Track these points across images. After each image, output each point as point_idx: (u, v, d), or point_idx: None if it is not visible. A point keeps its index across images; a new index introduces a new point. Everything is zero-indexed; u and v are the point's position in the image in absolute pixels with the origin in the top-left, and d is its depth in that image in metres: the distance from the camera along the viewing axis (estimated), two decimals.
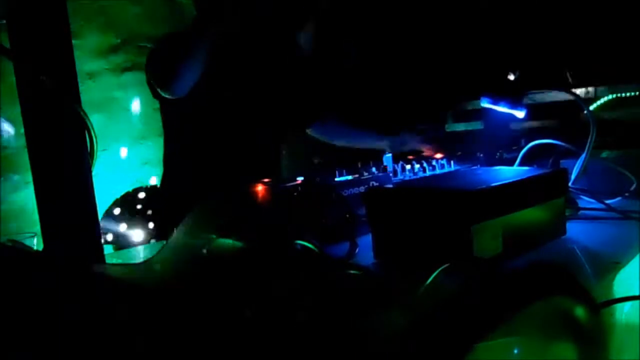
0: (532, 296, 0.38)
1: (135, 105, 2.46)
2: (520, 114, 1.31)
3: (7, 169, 2.11)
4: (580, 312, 0.42)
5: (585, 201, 1.04)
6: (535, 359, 0.42)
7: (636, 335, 0.53)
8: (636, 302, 0.55)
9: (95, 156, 0.77)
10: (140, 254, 1.05)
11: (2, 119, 1.98)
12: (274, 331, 0.48)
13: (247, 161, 1.45)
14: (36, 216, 0.74)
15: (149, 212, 1.72)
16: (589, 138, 1.10)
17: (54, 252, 0.72)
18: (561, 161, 1.17)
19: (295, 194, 0.91)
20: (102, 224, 1.83)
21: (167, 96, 1.32)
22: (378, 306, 0.52)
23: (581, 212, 1.00)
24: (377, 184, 1.03)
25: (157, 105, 1.56)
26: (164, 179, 1.59)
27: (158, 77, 1.33)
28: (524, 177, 0.80)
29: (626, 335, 0.54)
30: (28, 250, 0.73)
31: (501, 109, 1.32)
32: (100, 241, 0.80)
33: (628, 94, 1.48)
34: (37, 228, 0.75)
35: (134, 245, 1.77)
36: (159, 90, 1.32)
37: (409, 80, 2.02)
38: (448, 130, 1.70)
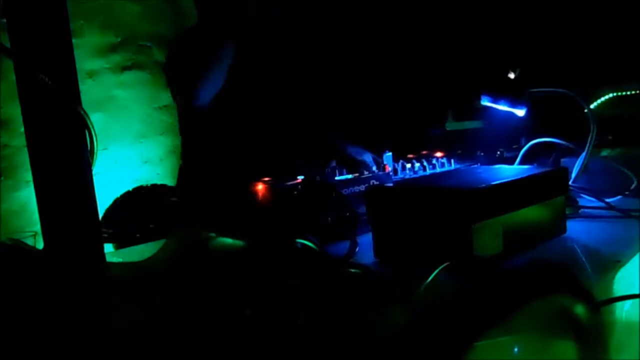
0: (533, 294, 0.38)
1: (136, 104, 2.46)
2: (520, 112, 1.31)
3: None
4: (580, 310, 0.42)
5: (586, 200, 1.04)
6: (535, 358, 0.42)
7: (636, 334, 0.53)
8: (636, 300, 0.55)
9: (95, 155, 0.77)
10: (140, 253, 1.05)
11: None
12: (274, 330, 0.48)
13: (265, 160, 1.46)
14: (36, 215, 0.74)
15: (153, 210, 1.72)
16: (589, 137, 1.10)
17: (55, 251, 0.72)
18: (561, 160, 1.17)
19: (295, 192, 0.91)
20: (103, 222, 1.83)
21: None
22: (378, 305, 0.52)
23: (581, 210, 1.00)
24: (378, 182, 1.03)
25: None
26: (181, 177, 1.60)
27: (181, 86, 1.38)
28: (525, 175, 0.80)
29: (626, 333, 0.54)
30: (28, 249, 0.73)
31: (501, 107, 1.32)
32: (101, 240, 0.80)
33: (628, 92, 1.47)
34: (38, 227, 0.75)
35: (135, 244, 1.77)
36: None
37: (408, 79, 2.02)
38: (448, 128, 1.69)
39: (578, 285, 0.42)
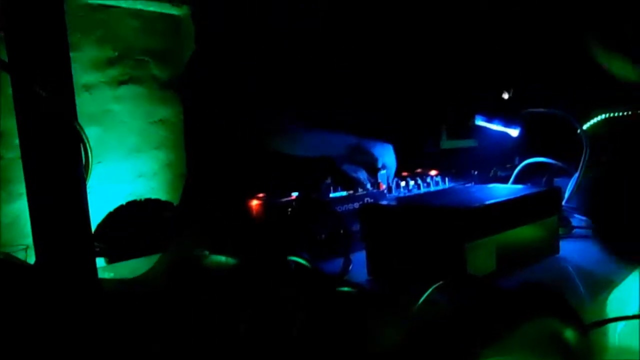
0: (522, 317, 0.38)
1: (131, 118, 2.47)
2: (514, 132, 1.32)
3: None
4: (569, 333, 0.42)
5: (579, 219, 1.04)
6: None
7: (629, 355, 0.53)
8: (629, 321, 0.55)
9: (90, 169, 0.77)
10: (133, 268, 1.04)
11: None
12: (268, 347, 0.47)
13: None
14: (28, 228, 0.74)
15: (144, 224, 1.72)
16: (582, 157, 1.10)
17: (46, 266, 0.72)
18: (555, 180, 1.17)
19: (289, 209, 0.91)
20: (96, 236, 1.82)
21: None
22: (372, 323, 0.52)
23: (575, 230, 1.00)
24: (372, 200, 1.03)
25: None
26: (186, 192, 1.59)
27: None
28: (518, 195, 0.80)
29: (619, 355, 0.54)
30: (19, 263, 0.72)
31: (495, 127, 1.33)
32: (94, 254, 0.80)
33: (621, 113, 1.49)
34: (29, 240, 0.74)
35: (127, 258, 1.76)
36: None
37: (402, 96, 2.03)
38: (443, 147, 1.70)
39: (566, 307, 0.42)
